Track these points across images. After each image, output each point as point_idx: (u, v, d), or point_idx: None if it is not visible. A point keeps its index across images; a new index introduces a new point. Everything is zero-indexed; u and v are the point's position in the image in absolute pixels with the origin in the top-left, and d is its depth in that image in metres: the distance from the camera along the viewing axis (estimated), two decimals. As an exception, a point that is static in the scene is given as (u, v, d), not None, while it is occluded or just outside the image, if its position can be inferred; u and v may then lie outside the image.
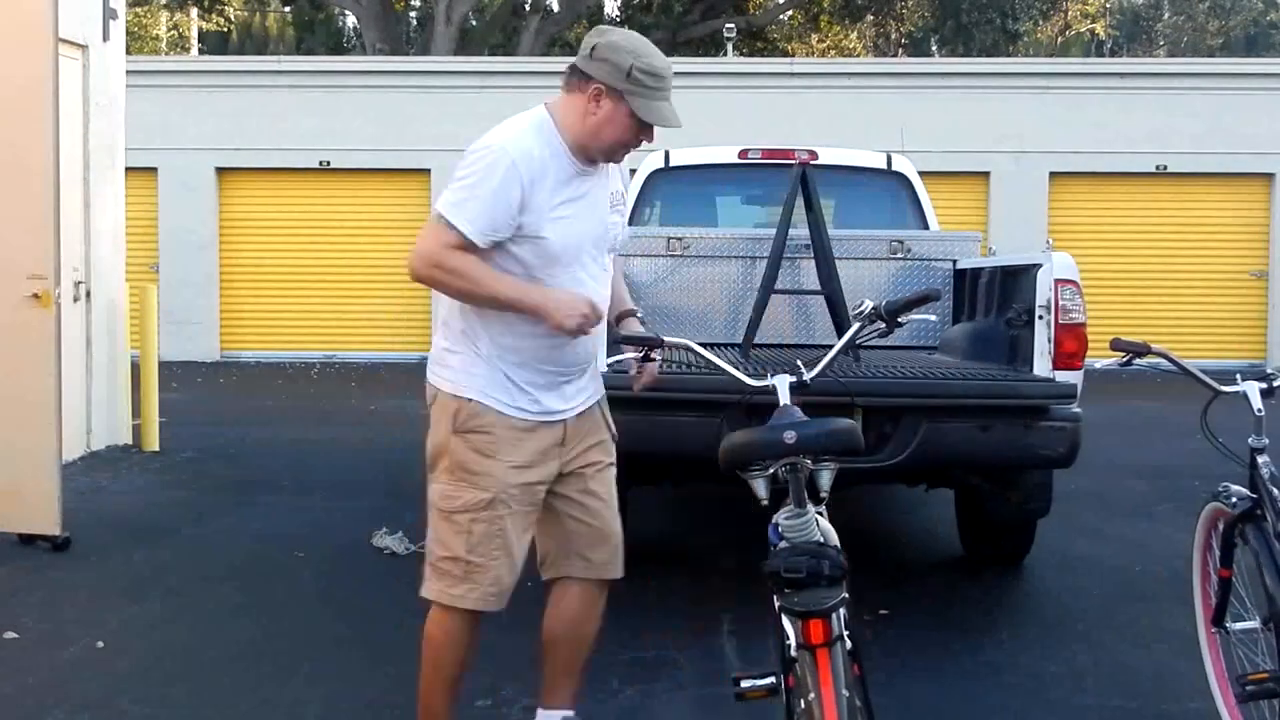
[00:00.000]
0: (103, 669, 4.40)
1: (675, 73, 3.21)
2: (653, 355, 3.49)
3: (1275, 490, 3.38)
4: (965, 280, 6.11)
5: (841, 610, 2.70)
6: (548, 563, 3.47)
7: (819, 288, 5.89)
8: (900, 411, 4.82)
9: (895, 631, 4.88)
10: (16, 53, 5.95)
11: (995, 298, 5.64)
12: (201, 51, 33.07)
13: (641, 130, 3.19)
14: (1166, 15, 37.04)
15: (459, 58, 20.55)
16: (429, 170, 16.86)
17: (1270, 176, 16.87)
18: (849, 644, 2.72)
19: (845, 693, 2.55)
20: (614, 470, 3.48)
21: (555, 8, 26.23)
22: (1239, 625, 3.63)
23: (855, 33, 31.27)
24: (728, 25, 23.31)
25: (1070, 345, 4.95)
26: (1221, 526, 3.64)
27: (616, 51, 3.11)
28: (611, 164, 3.33)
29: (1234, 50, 33.67)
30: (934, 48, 31.85)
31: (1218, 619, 3.70)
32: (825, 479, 2.92)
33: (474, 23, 25.98)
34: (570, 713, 3.51)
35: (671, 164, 7.21)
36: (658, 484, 5.60)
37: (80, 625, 4.89)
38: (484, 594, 3.24)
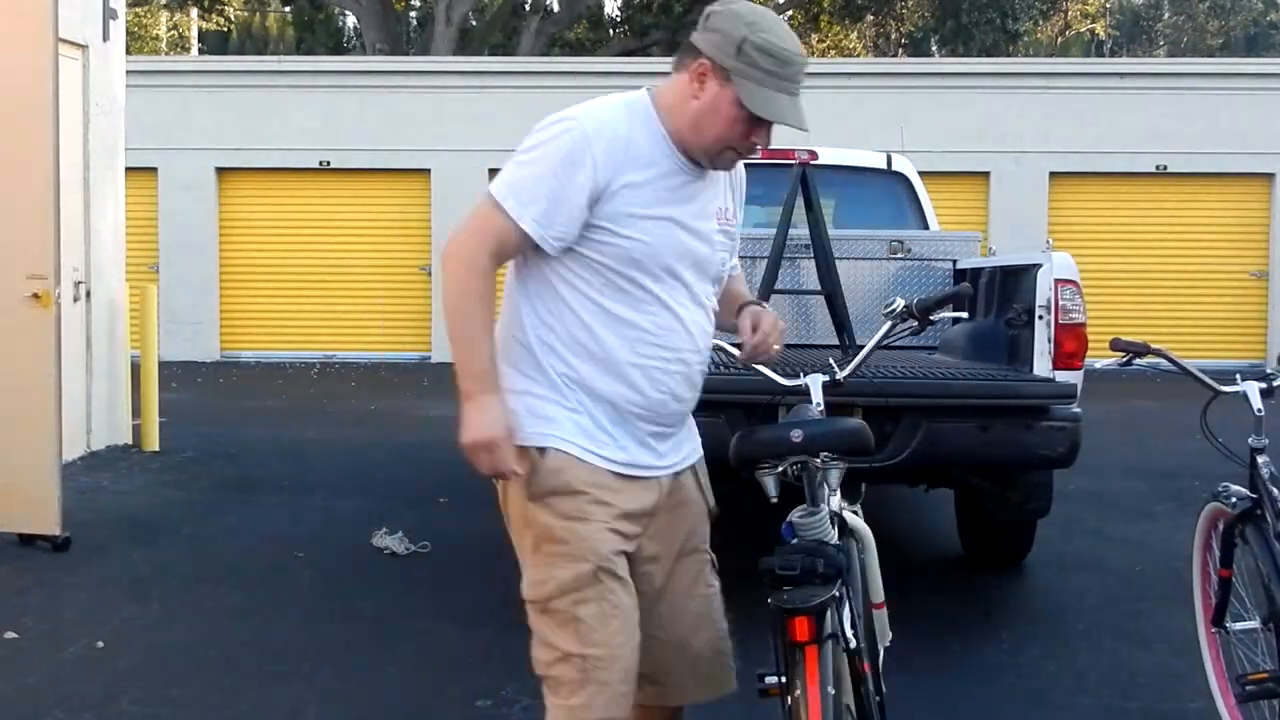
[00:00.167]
0: (103, 669, 4.40)
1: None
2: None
3: (1275, 490, 3.38)
4: (965, 280, 6.11)
5: (840, 608, 2.68)
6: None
7: (819, 287, 5.89)
8: (900, 411, 4.81)
9: (895, 631, 4.86)
10: (17, 53, 5.95)
11: (995, 298, 5.65)
12: (201, 51, 33.06)
13: (753, 128, 2.48)
14: (1166, 15, 37.00)
15: (459, 58, 20.54)
16: (429, 170, 16.86)
17: (1270, 176, 16.86)
18: (852, 643, 2.70)
19: (831, 691, 2.54)
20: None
21: (555, 8, 26.21)
22: (1239, 625, 3.64)
23: (855, 33, 31.24)
24: (728, 25, 23.28)
25: (1070, 345, 4.95)
26: (1221, 526, 3.64)
27: (731, 20, 2.45)
28: (724, 173, 2.62)
29: (1234, 50, 33.63)
30: (934, 48, 31.82)
31: (1218, 619, 3.70)
32: (834, 478, 2.89)
33: (474, 23, 25.94)
34: None
35: None
36: None
37: (80, 625, 4.89)
38: (613, 695, 2.46)
